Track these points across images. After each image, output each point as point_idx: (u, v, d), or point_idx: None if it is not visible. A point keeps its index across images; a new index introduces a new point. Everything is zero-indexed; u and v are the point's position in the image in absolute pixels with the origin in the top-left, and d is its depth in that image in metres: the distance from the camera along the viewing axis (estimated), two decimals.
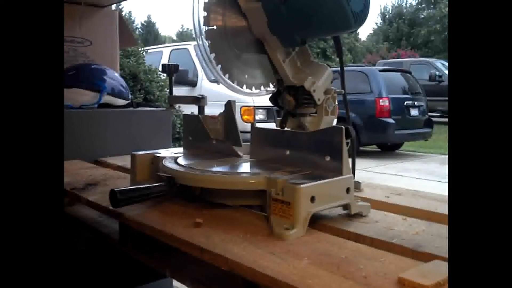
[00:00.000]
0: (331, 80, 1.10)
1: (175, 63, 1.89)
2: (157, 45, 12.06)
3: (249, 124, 1.16)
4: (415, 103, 7.93)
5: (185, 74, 6.38)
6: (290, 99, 1.07)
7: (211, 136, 1.22)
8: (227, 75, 1.11)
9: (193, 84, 6.58)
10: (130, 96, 2.17)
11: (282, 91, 1.09)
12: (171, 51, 7.65)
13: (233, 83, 1.13)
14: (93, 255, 1.54)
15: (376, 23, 32.68)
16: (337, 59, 1.12)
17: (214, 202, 0.99)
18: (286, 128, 1.09)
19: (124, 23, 2.47)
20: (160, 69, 3.37)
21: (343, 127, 0.91)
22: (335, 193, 0.89)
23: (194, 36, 1.10)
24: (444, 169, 6.27)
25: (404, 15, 29.34)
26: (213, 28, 1.06)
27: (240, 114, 5.66)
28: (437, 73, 12.00)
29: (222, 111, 1.19)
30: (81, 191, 1.21)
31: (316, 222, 0.89)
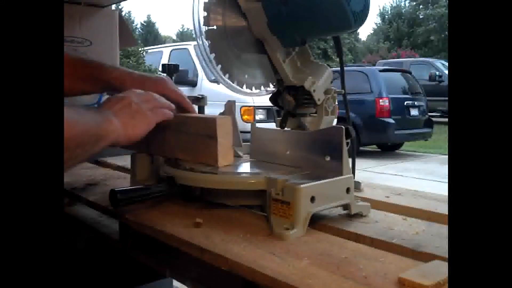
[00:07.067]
0: (331, 80, 1.10)
1: (175, 63, 1.88)
2: (157, 45, 12.06)
3: (249, 124, 1.16)
4: (415, 103, 7.94)
5: (185, 74, 6.38)
6: (290, 99, 1.07)
7: None
8: (227, 75, 1.11)
9: (193, 84, 6.59)
10: None
11: (282, 91, 1.09)
12: (171, 51, 7.65)
13: (233, 83, 1.12)
14: (93, 255, 1.54)
15: (376, 23, 32.69)
16: (338, 59, 1.12)
17: (214, 202, 0.99)
18: (286, 128, 1.09)
19: (124, 23, 2.47)
20: (160, 69, 3.38)
21: (343, 127, 0.91)
22: (335, 193, 0.89)
23: (194, 36, 1.10)
24: (444, 169, 6.27)
25: (403, 15, 29.36)
26: (213, 28, 1.06)
27: (240, 114, 5.67)
28: (437, 73, 12.01)
29: (222, 111, 1.19)
30: (81, 191, 1.21)
31: (316, 222, 0.88)
